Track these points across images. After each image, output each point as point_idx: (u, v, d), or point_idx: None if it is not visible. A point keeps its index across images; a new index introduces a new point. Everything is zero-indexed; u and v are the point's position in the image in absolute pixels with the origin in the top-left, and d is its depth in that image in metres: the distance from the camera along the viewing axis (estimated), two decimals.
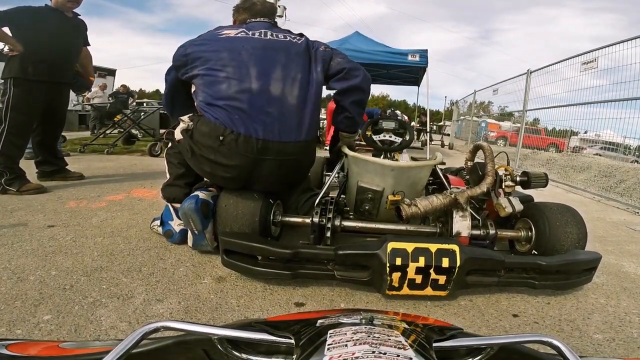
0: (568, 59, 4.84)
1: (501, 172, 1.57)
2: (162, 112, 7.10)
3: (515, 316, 1.22)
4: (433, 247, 1.20)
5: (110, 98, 8.67)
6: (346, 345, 0.30)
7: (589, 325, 1.18)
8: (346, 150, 1.68)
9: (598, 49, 4.18)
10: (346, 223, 1.57)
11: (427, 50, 6.83)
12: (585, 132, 5.55)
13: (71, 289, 1.21)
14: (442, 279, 1.20)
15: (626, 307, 1.33)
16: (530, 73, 5.74)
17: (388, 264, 1.18)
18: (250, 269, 1.28)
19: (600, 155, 5.76)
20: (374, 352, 0.29)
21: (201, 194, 1.51)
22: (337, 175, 1.82)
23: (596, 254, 1.39)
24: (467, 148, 9.35)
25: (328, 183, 1.72)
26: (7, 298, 1.13)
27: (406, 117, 12.50)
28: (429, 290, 1.23)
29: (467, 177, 1.80)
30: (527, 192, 1.85)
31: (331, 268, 1.27)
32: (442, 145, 10.31)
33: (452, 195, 1.46)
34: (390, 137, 1.91)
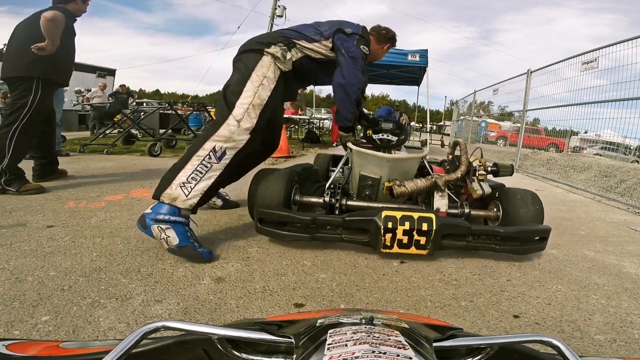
0: (568, 58, 4.84)
1: (475, 163, 1.90)
2: (161, 112, 7.12)
3: (516, 317, 1.21)
4: (415, 215, 1.57)
5: (110, 98, 8.68)
6: (346, 345, 0.30)
7: (590, 326, 1.18)
8: (351, 145, 1.97)
9: (598, 48, 4.18)
10: (350, 202, 1.91)
11: (427, 50, 6.84)
12: (586, 132, 5.54)
13: (70, 290, 1.20)
14: (422, 240, 1.56)
15: (627, 308, 1.32)
16: (531, 73, 5.74)
17: (382, 227, 1.54)
18: (278, 233, 1.62)
19: (600, 155, 5.75)
20: (373, 351, 0.29)
21: None
22: (341, 169, 2.16)
23: (546, 226, 1.68)
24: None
25: (334, 175, 2.07)
26: (6, 299, 1.12)
27: (406, 117, 12.62)
28: (413, 249, 1.58)
29: (448, 167, 2.16)
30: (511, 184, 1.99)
31: (340, 232, 1.62)
32: (442, 145, 10.32)
33: (433, 179, 1.83)
34: (388, 136, 2.16)
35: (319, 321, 0.38)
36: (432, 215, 1.56)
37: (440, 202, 1.82)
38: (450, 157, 2.18)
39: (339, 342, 0.31)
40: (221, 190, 2.24)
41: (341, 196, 1.90)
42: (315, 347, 0.31)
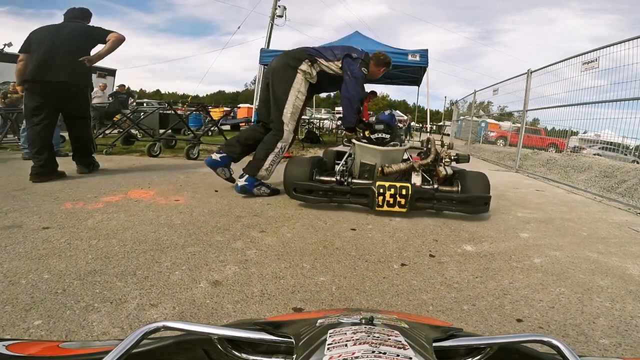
0: (568, 58, 4.82)
1: (443, 154, 2.68)
2: (161, 112, 7.10)
3: (520, 321, 1.19)
4: (398, 185, 2.32)
5: (110, 98, 8.66)
6: (346, 345, 0.30)
7: (594, 330, 1.15)
8: (354, 141, 2.72)
9: (598, 48, 4.16)
10: (354, 181, 2.65)
11: (427, 50, 6.83)
12: (585, 132, 5.53)
13: (63, 293, 1.18)
14: (402, 201, 2.30)
15: (632, 311, 1.30)
16: (531, 73, 5.71)
17: (376, 192, 2.30)
18: (306, 198, 2.41)
19: (599, 155, 5.73)
20: (373, 351, 0.29)
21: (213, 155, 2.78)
22: (345, 162, 2.91)
23: (488, 195, 2.41)
24: (466, 148, 9.33)
25: (342, 163, 2.87)
26: None
27: (406, 117, 12.77)
28: (396, 208, 2.32)
29: (423, 156, 2.87)
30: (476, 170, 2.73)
31: (348, 198, 2.38)
32: (442, 145, 10.30)
33: (411, 163, 2.63)
34: (382, 135, 2.76)
35: (319, 321, 0.38)
36: (409, 185, 2.33)
37: (416, 178, 2.61)
38: (425, 149, 2.96)
39: (339, 342, 0.31)
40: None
41: (348, 176, 2.70)
42: (315, 347, 0.31)
